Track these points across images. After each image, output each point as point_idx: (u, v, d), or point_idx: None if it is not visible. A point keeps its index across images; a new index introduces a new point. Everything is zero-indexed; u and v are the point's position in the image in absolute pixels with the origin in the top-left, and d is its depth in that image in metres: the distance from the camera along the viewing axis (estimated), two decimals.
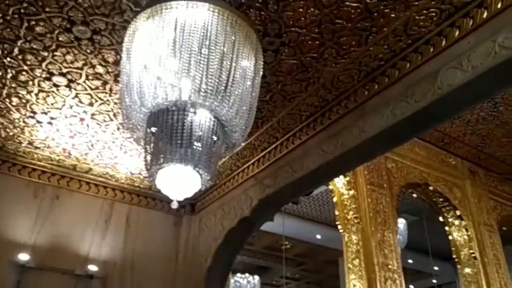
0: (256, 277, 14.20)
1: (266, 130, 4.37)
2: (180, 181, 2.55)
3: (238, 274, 13.56)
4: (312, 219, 12.69)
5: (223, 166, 5.16)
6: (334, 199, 7.78)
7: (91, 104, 4.11)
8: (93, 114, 4.26)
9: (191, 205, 5.94)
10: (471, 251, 8.46)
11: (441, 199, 8.76)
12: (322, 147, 3.91)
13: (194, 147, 2.44)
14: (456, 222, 8.77)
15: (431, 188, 8.61)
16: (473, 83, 2.79)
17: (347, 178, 7.61)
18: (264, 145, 4.60)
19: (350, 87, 3.67)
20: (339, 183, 7.70)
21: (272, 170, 4.54)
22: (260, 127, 4.33)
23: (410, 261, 12.83)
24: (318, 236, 13.42)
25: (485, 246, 8.51)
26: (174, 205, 2.78)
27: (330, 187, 7.86)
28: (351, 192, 7.58)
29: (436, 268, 15.19)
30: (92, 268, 5.01)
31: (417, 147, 8.67)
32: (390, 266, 6.87)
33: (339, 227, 7.54)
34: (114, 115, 4.25)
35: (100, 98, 4.02)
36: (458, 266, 8.64)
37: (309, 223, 12.81)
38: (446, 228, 8.88)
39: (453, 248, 8.75)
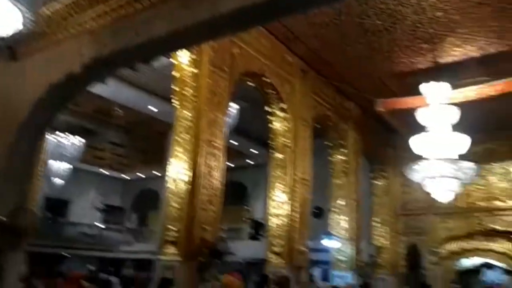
0: (80, 139, 13.74)
1: None
2: None
3: (61, 134, 12.90)
4: (148, 90, 12.46)
5: (54, 13, 4.48)
6: (175, 74, 7.67)
7: None
8: None
9: (11, 50, 5.10)
10: (286, 140, 9.57)
11: (272, 91, 9.44)
12: (173, 14, 3.67)
13: None
14: (280, 114, 9.68)
15: (267, 80, 9.15)
16: None
17: (193, 56, 7.50)
18: None
19: None
20: (183, 58, 7.56)
21: (113, 29, 4.11)
22: None
23: (234, 142, 13.93)
24: (152, 108, 13.37)
25: (299, 137, 9.71)
26: None
27: (173, 61, 7.67)
28: (193, 69, 7.55)
29: (254, 151, 16.97)
30: None
31: (263, 38, 8.92)
32: (215, 144, 7.35)
33: (175, 101, 7.58)
34: None
35: None
36: (272, 151, 9.75)
37: (145, 94, 12.58)
38: (270, 117, 9.75)
39: (271, 136, 9.76)
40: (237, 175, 17.99)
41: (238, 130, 11.63)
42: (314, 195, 10.20)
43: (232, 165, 14.35)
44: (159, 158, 11.31)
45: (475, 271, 13.90)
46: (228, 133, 8.23)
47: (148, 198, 21.59)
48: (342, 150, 11.87)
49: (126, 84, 11.75)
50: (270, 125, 9.73)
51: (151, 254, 9.57)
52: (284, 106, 9.62)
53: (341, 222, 11.54)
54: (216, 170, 7.34)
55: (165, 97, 12.59)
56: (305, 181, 9.68)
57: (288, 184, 9.32)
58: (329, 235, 11.93)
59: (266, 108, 9.69)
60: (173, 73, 7.69)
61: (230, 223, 15.83)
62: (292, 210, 9.20)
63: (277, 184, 9.44)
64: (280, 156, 9.55)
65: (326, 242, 12.09)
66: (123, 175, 23.97)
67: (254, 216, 18.89)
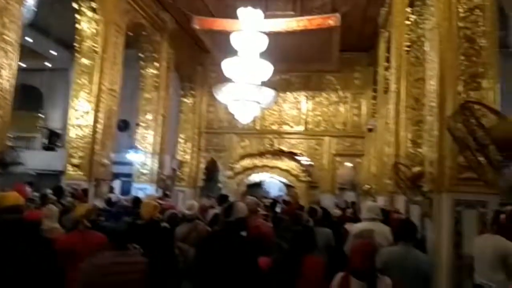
0: None
1: None
2: None
3: None
4: None
5: None
6: None
7: None
8: None
9: None
10: (94, 44, 8.73)
11: None
12: None
13: None
14: (90, 13, 8.68)
15: None
16: None
17: None
18: None
19: None
20: None
21: None
22: None
23: (29, 39, 12.03)
24: None
25: (109, 43, 8.95)
26: None
27: None
28: None
29: (54, 53, 15.04)
30: None
31: None
32: (6, 38, 6.18)
33: None
34: None
35: None
36: (77, 55, 8.82)
37: None
38: (78, 16, 8.69)
39: (77, 38, 8.76)
40: (31, 78, 15.82)
41: (35, 26, 10.03)
42: (121, 107, 9.80)
43: (25, 66, 12.42)
44: None
45: (261, 184, 15.98)
46: (23, 27, 6.99)
47: None
48: (154, 63, 11.53)
49: None
50: (77, 25, 8.69)
51: None
52: (95, 5, 8.64)
53: (147, 136, 11.51)
54: (6, 69, 6.22)
55: None
56: (113, 91, 9.15)
57: (93, 94, 8.67)
58: (134, 148, 11.84)
59: (74, 5, 8.56)
60: None
61: (21, 131, 14.12)
62: (95, 121, 8.68)
63: (81, 92, 8.69)
64: (86, 62, 8.71)
65: (130, 156, 12.00)
66: None
67: (50, 125, 17.26)
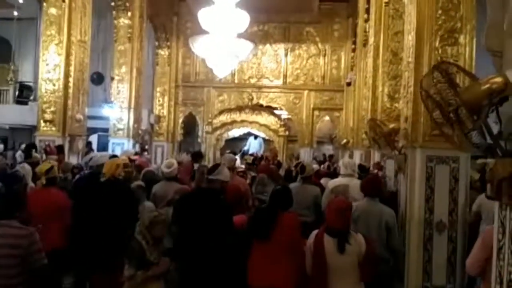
0: None
1: None
2: None
3: None
4: None
5: None
6: None
7: None
8: None
9: None
10: None
11: None
12: None
13: None
14: None
15: None
16: None
17: None
18: None
19: None
20: None
21: None
22: None
23: None
24: None
25: None
26: None
27: None
28: None
29: (20, 0, 14.26)
30: None
31: None
32: None
33: None
34: None
35: None
36: (44, 4, 8.36)
37: None
38: None
39: None
40: None
41: None
42: (95, 60, 9.46)
43: None
44: None
45: (240, 138, 15.98)
46: None
47: None
48: (127, 13, 11.02)
49: None
50: None
51: None
52: None
53: (122, 90, 11.21)
54: None
55: None
56: (83, 43, 8.76)
57: (63, 46, 8.30)
58: (109, 103, 11.57)
59: None
60: None
61: None
62: (67, 75, 8.37)
63: (50, 44, 8.30)
64: (53, 11, 8.27)
65: (106, 110, 11.74)
66: None
67: (22, 77, 16.67)
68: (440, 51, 4.32)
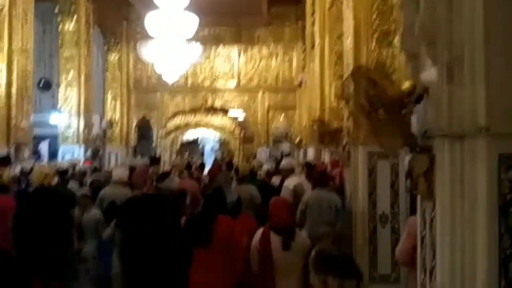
0: None
1: None
2: None
3: None
4: None
5: None
6: None
7: None
8: None
9: None
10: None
11: None
12: None
13: None
14: None
15: None
16: None
17: None
18: None
19: None
20: None
21: None
22: None
23: None
24: None
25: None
26: None
27: None
28: None
29: None
30: None
31: None
32: None
33: None
34: None
35: None
36: None
37: None
38: None
39: None
40: None
41: None
42: (40, 66, 9.17)
43: None
44: None
45: (195, 141, 15.95)
46: None
47: None
48: (72, 18, 10.73)
49: None
50: None
51: None
52: None
53: (70, 96, 10.90)
54: None
55: None
56: (25, 52, 8.45)
57: (4, 54, 7.98)
58: (57, 109, 11.22)
59: None
60: None
61: None
62: (9, 84, 8.07)
63: None
64: None
65: (54, 117, 11.38)
66: None
67: None
68: (376, 53, 4.54)
